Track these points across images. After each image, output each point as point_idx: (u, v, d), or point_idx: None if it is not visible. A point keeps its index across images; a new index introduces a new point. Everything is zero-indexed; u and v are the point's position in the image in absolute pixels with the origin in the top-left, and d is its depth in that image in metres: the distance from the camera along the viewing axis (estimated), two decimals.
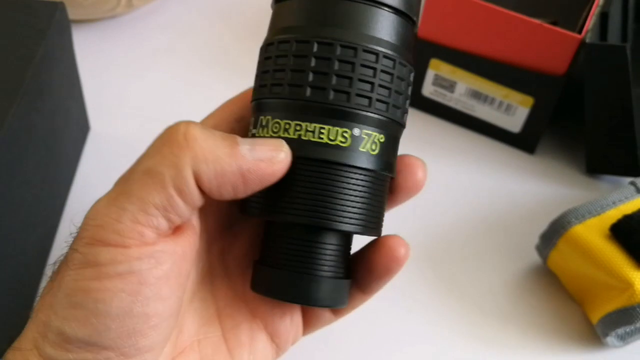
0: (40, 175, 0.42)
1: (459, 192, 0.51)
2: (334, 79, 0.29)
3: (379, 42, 0.30)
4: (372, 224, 0.31)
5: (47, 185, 0.44)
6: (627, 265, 0.41)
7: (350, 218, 0.30)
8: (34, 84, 0.39)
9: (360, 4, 0.30)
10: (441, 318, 0.44)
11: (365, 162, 0.30)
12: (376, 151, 0.30)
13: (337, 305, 0.32)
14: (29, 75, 0.38)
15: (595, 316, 0.43)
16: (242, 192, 0.29)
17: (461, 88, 0.53)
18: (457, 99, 0.54)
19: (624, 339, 0.42)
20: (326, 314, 0.36)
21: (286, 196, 0.30)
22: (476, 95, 0.53)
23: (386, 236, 0.33)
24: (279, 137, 0.30)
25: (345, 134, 0.29)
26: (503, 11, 0.48)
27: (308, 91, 0.29)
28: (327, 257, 0.31)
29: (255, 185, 0.29)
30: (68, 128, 0.47)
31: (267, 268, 0.31)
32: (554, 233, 0.44)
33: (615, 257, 0.41)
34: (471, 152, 0.54)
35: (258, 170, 0.28)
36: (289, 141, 0.29)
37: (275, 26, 0.31)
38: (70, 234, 0.29)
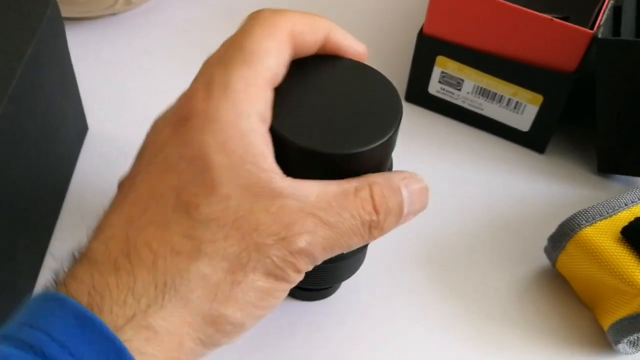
0: (32, 178, 0.41)
1: (466, 193, 0.50)
2: None
3: None
4: None
5: (42, 187, 0.43)
6: (638, 270, 0.39)
7: None
8: (24, 83, 0.38)
9: None
10: (448, 322, 0.43)
11: None
12: None
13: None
14: (18, 75, 0.37)
15: (607, 322, 0.42)
16: None
17: (468, 86, 0.52)
18: (465, 97, 0.53)
19: (636, 345, 0.41)
20: None
21: None
22: (484, 93, 0.52)
23: None
24: None
25: None
26: (512, 6, 0.46)
27: None
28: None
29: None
30: (64, 129, 0.46)
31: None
32: (563, 235, 0.43)
33: (627, 261, 0.40)
34: (479, 152, 0.53)
35: (416, 214, 0.34)
36: None
37: None
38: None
